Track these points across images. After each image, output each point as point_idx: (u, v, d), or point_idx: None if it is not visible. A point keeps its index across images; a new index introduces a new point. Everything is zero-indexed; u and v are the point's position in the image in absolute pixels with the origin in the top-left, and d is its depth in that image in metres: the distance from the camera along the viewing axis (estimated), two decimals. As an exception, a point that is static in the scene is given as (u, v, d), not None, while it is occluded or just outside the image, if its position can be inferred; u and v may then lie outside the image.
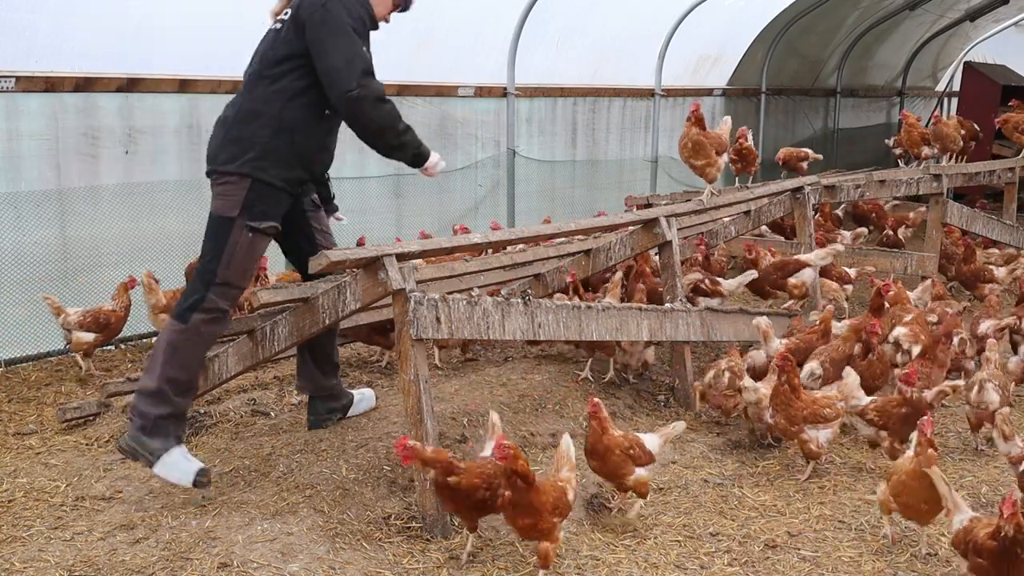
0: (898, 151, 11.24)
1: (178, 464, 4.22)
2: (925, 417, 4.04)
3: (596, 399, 4.32)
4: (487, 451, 4.04)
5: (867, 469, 4.98)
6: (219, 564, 3.74)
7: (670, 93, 11.65)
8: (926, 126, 10.49)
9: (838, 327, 5.79)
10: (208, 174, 4.37)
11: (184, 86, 6.99)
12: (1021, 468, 4.26)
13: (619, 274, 6.45)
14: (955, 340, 5.78)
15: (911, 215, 10.14)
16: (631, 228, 5.94)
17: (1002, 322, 6.25)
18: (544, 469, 4.68)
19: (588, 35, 10.34)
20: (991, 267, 8.19)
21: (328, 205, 4.88)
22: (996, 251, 9.01)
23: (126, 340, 6.76)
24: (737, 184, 8.78)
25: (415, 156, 4.52)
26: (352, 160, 7.71)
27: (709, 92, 12.30)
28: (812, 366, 5.32)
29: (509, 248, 6.41)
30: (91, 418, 5.35)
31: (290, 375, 5.88)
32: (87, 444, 5.04)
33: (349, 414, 5.13)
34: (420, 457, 3.73)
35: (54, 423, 5.31)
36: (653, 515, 4.39)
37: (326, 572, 3.72)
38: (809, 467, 4.85)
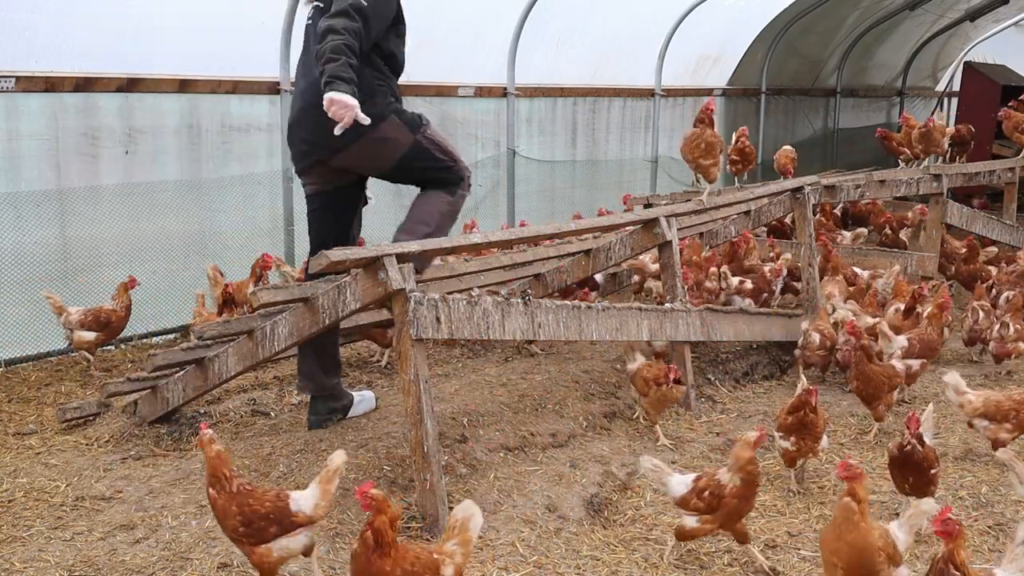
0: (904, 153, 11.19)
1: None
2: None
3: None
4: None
5: (867, 469, 4.96)
6: (219, 564, 3.75)
7: (670, 93, 11.67)
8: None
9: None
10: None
11: (184, 86, 6.99)
12: None
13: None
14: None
15: (909, 215, 10.13)
16: (631, 228, 5.95)
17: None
18: (543, 469, 4.69)
19: (588, 35, 10.35)
20: (990, 268, 8.20)
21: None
22: (994, 249, 9.00)
23: (126, 340, 6.76)
24: (736, 184, 8.79)
25: (326, 83, 4.26)
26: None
27: (709, 92, 12.30)
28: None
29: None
30: (91, 418, 5.35)
31: (290, 375, 5.89)
32: (87, 444, 5.04)
33: (348, 416, 5.15)
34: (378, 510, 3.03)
35: (54, 423, 5.31)
36: (653, 515, 4.39)
37: (326, 572, 3.71)
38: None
